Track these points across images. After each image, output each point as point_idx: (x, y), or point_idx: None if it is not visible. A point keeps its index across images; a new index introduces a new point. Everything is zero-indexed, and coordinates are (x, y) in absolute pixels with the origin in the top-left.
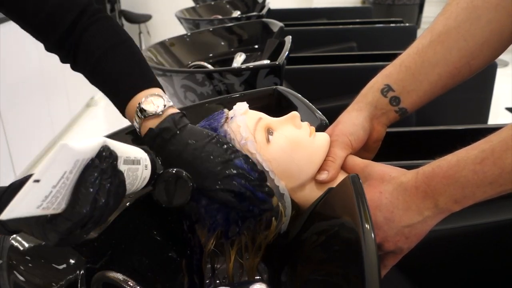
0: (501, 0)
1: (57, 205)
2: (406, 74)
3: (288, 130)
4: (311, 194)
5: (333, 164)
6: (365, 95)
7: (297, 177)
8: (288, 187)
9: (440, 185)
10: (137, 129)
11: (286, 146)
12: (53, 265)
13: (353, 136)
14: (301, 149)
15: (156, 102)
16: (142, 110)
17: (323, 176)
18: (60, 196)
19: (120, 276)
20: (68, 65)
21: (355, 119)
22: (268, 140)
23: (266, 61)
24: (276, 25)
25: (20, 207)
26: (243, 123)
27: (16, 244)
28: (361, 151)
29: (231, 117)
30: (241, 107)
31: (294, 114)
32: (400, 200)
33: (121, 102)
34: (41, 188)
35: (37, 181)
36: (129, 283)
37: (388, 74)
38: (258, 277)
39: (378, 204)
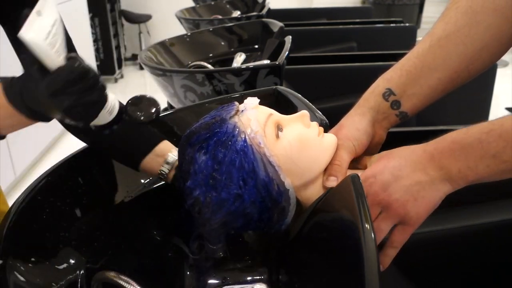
0: (500, 6)
1: (57, 51)
2: (407, 78)
3: (298, 128)
4: (315, 193)
5: (340, 169)
6: (367, 99)
7: (303, 175)
8: (293, 185)
9: (446, 149)
10: (164, 175)
11: (295, 143)
12: (53, 265)
13: (357, 142)
14: (309, 148)
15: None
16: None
17: (333, 183)
18: (58, 43)
19: (120, 276)
20: None
21: (358, 124)
22: (277, 136)
23: (266, 61)
24: (276, 25)
25: (32, 30)
26: (254, 116)
27: (16, 244)
28: (362, 155)
29: (242, 110)
30: (252, 101)
31: (304, 113)
32: (408, 160)
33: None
34: (43, 21)
35: (38, 13)
36: (129, 283)
37: (389, 78)
38: (258, 277)
39: (387, 164)
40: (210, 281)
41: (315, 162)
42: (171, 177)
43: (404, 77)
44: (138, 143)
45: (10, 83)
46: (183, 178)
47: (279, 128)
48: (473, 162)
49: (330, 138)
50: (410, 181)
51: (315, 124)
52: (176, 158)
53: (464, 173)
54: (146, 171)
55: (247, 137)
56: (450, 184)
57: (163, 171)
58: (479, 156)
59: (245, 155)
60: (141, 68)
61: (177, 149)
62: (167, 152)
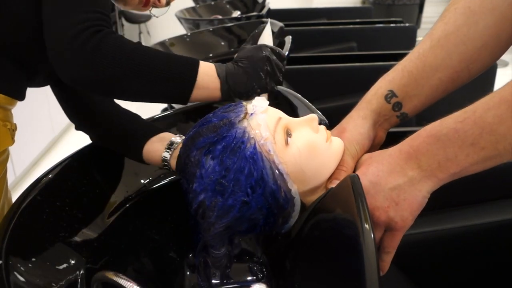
0: (498, 5)
1: None
2: (409, 79)
3: (306, 133)
4: None
5: (345, 174)
6: (370, 101)
7: (310, 181)
8: (299, 191)
9: (423, 145)
10: (167, 160)
11: (304, 151)
12: (53, 265)
13: (359, 146)
14: (318, 154)
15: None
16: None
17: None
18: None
19: (119, 276)
20: None
21: (360, 127)
22: (286, 142)
23: None
24: (276, 25)
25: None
26: (264, 122)
27: (16, 244)
28: None
29: (251, 114)
30: (262, 104)
31: (313, 117)
32: (385, 164)
33: (139, 144)
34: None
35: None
36: (129, 283)
37: (391, 79)
38: (258, 277)
39: (365, 171)
40: (211, 281)
41: (323, 168)
42: (174, 165)
43: (405, 78)
44: (144, 126)
45: (219, 65)
46: (187, 180)
47: (288, 133)
48: (452, 153)
49: (338, 144)
50: (388, 185)
51: (323, 128)
52: (177, 142)
53: (445, 166)
54: (149, 157)
55: (256, 143)
56: (431, 181)
57: (165, 156)
58: (457, 146)
59: (254, 163)
60: None
61: (178, 136)
62: (171, 137)
